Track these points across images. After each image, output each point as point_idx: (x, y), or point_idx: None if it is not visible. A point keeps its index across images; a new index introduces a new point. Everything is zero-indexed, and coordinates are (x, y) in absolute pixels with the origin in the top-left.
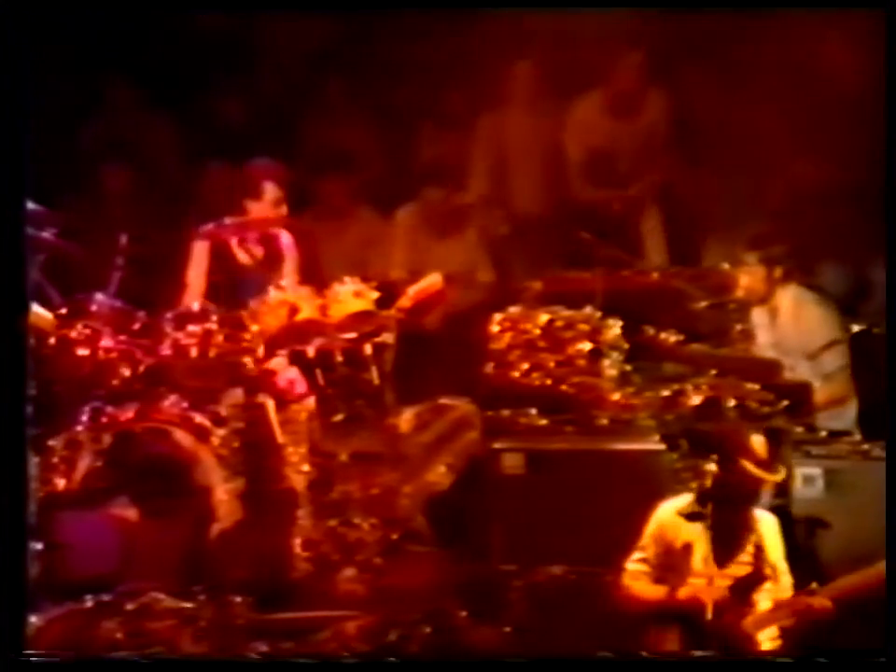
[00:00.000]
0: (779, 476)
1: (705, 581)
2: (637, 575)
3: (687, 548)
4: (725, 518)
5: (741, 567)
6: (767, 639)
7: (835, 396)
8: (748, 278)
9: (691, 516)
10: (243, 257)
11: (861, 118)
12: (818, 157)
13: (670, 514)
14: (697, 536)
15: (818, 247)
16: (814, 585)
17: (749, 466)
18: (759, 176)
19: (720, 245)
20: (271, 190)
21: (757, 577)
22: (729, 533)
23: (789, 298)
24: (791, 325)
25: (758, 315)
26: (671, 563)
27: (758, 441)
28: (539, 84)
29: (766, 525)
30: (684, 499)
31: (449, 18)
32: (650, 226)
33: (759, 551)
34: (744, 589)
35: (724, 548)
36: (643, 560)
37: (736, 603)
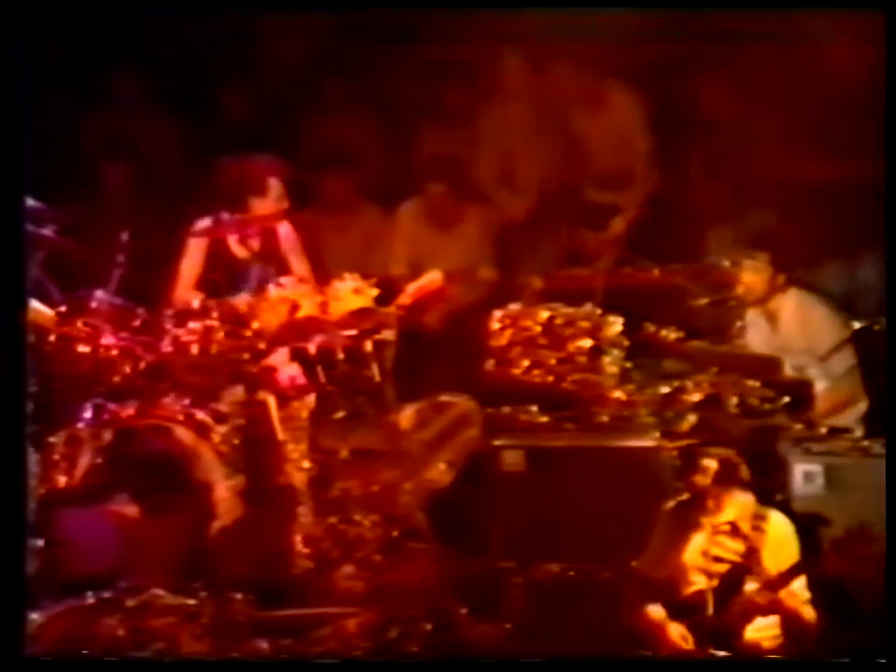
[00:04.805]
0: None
1: (702, 577)
2: None
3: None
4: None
5: (723, 565)
6: (766, 638)
7: (842, 399)
8: (750, 276)
9: None
10: (241, 253)
11: (861, 117)
12: (816, 155)
13: None
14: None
15: (817, 244)
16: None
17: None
18: (759, 174)
19: (720, 242)
20: (275, 187)
21: (741, 573)
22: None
23: (791, 302)
24: (795, 328)
25: (753, 318)
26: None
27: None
28: (538, 80)
29: (774, 525)
30: None
31: (449, 15)
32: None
33: (751, 553)
34: (728, 587)
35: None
36: None
37: (720, 599)
